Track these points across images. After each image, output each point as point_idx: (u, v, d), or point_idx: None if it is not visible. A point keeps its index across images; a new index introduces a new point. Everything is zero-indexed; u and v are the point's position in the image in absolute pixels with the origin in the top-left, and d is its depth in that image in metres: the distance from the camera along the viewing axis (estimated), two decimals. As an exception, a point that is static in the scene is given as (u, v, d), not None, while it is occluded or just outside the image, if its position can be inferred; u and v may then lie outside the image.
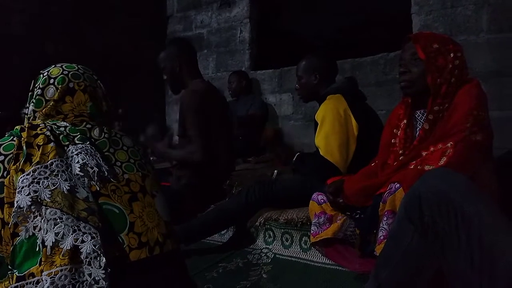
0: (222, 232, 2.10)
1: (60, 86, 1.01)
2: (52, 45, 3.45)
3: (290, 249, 1.83)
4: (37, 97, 1.02)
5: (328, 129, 1.75)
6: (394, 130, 1.50)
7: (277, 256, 1.84)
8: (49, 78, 1.02)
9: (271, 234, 1.92)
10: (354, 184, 1.47)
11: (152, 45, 4.27)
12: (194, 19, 4.31)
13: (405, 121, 1.47)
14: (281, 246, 1.87)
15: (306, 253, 1.76)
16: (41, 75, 1.04)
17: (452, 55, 1.36)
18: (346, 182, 1.51)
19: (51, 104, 1.00)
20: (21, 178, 0.84)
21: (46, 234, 0.79)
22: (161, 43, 4.44)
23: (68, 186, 0.85)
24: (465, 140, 1.25)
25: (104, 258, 0.79)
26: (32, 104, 1.03)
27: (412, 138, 1.44)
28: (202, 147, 2.08)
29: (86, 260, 0.79)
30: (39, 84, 1.03)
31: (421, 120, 1.44)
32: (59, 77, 1.02)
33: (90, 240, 0.79)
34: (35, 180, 0.83)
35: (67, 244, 0.78)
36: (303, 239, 1.79)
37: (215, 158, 2.17)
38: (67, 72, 1.04)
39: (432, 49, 1.36)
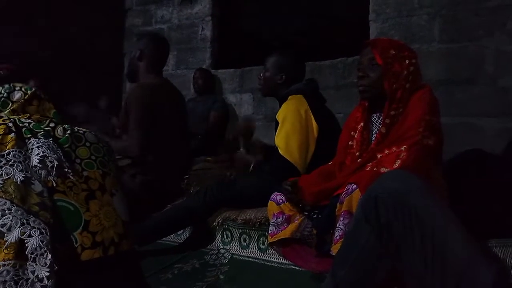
0: (179, 232, 2.06)
1: (28, 92, 1.03)
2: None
3: (247, 250, 1.83)
4: (2, 99, 1.00)
5: (289, 128, 1.76)
6: (352, 133, 1.53)
7: (234, 256, 1.83)
8: (14, 87, 1.04)
9: (229, 234, 1.90)
10: (311, 186, 1.49)
11: (108, 39, 4.13)
12: (155, 13, 4.21)
13: (362, 124, 1.50)
14: (238, 247, 1.86)
15: (264, 253, 1.76)
16: (1, 87, 1.05)
17: (407, 61, 1.41)
18: (303, 182, 1.53)
19: (20, 102, 1.00)
20: None
21: None
22: (118, 36, 4.33)
23: (22, 177, 0.82)
24: (418, 144, 1.30)
25: (50, 256, 0.76)
26: None
27: (368, 140, 1.48)
28: (139, 142, 2.08)
29: (31, 256, 0.75)
30: (2, 91, 1.02)
31: (377, 124, 1.48)
32: (26, 86, 1.04)
33: (38, 235, 0.76)
34: None
35: (12, 236, 0.75)
36: (261, 239, 1.79)
37: (168, 156, 2.14)
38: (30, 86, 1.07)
39: (389, 55, 1.40)
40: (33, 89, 1.04)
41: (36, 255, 0.75)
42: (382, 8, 2.98)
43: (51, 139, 0.91)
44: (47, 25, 3.57)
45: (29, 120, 0.95)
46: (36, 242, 0.76)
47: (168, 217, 1.97)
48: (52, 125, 0.96)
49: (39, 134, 0.91)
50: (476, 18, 2.64)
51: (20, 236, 0.75)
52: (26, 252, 0.75)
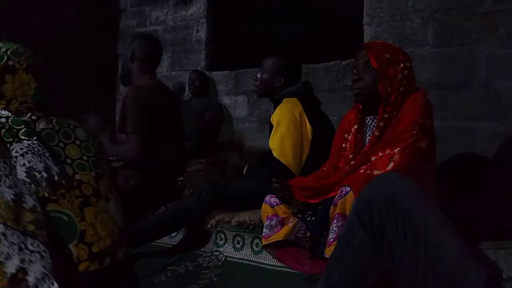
0: (173, 234, 2.05)
1: None
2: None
3: (241, 252, 1.82)
4: None
5: (283, 131, 1.76)
6: (345, 135, 1.54)
7: (228, 258, 1.83)
8: None
9: (223, 236, 1.90)
10: (301, 183, 1.50)
11: (102, 40, 4.11)
12: (149, 15, 4.20)
13: (356, 126, 1.51)
14: (232, 249, 1.85)
15: (257, 256, 1.76)
16: None
17: (401, 65, 1.41)
18: (295, 182, 1.53)
19: None
20: None
21: None
22: (113, 38, 4.31)
23: (13, 195, 0.73)
24: (411, 146, 1.31)
25: (56, 284, 0.70)
26: None
27: (362, 143, 1.49)
28: (138, 145, 2.04)
29: (33, 283, 0.69)
30: None
31: (371, 126, 1.49)
32: None
33: (40, 259, 0.70)
34: None
35: (12, 266, 0.69)
36: (255, 241, 1.79)
37: (163, 158, 2.13)
38: (5, 49, 0.91)
39: (384, 58, 1.41)
40: (4, 60, 0.88)
41: (38, 280, 0.70)
42: (376, 12, 3.00)
43: (35, 138, 0.82)
44: (41, 25, 3.55)
45: (7, 113, 0.84)
46: (38, 270, 0.70)
47: (162, 219, 1.96)
48: (34, 117, 0.86)
49: (20, 133, 0.82)
50: (469, 23, 2.67)
51: (20, 264, 0.69)
52: (29, 283, 0.69)
